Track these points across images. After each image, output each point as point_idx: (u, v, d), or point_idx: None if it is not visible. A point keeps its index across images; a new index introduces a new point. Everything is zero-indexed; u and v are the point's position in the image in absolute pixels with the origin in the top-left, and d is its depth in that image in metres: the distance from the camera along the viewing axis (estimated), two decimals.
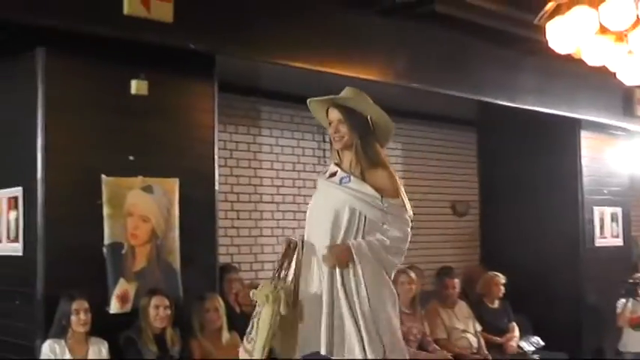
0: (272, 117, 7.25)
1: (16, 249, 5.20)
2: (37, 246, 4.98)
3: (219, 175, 5.86)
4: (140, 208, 5.24)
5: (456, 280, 7.24)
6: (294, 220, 7.21)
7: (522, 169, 8.86)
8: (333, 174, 3.63)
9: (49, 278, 4.95)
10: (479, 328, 7.14)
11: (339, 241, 3.47)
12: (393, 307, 3.50)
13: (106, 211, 5.10)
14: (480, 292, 7.58)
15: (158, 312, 5.01)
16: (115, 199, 5.14)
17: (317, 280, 3.51)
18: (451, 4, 6.32)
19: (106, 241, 5.09)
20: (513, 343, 7.30)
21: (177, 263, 5.37)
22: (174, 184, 5.39)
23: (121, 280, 5.10)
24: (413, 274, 6.56)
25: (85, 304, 4.79)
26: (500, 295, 7.47)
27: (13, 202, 5.25)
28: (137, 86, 5.19)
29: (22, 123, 5.18)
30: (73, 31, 4.86)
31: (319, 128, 7.41)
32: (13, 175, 5.30)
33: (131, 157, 5.23)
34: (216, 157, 5.71)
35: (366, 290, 3.40)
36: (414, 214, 3.60)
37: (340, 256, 3.43)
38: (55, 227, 4.97)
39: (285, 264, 3.55)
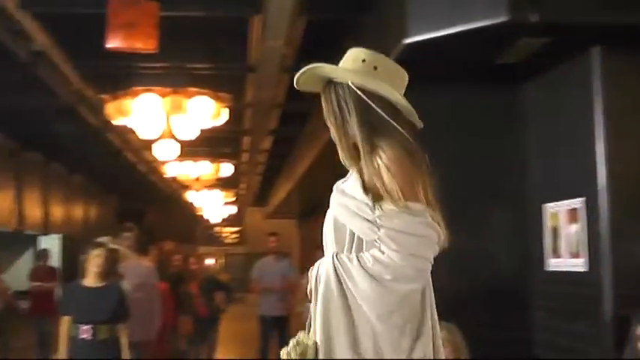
0: None
1: (578, 264, 4.89)
2: (602, 261, 4.62)
3: None
4: None
5: None
6: None
7: None
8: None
9: (617, 297, 4.55)
10: None
11: None
12: None
13: None
14: None
15: None
16: None
17: None
18: None
19: None
20: None
21: None
22: None
23: None
24: None
25: None
26: None
27: (572, 215, 4.95)
28: None
29: (579, 130, 4.88)
30: (633, 26, 4.42)
31: None
32: (571, 186, 5.01)
33: None
34: None
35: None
36: None
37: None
38: (622, 241, 4.58)
39: None
